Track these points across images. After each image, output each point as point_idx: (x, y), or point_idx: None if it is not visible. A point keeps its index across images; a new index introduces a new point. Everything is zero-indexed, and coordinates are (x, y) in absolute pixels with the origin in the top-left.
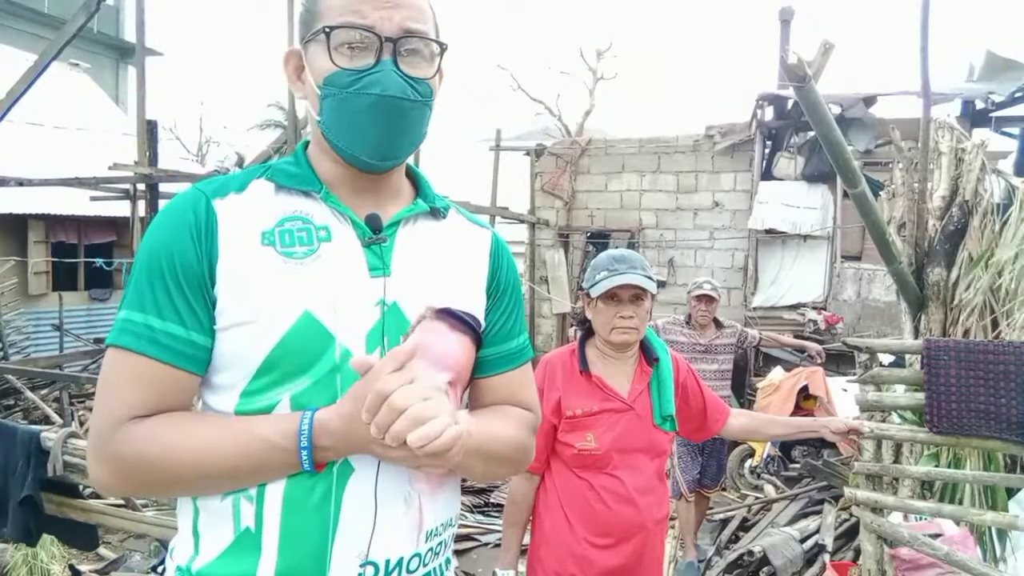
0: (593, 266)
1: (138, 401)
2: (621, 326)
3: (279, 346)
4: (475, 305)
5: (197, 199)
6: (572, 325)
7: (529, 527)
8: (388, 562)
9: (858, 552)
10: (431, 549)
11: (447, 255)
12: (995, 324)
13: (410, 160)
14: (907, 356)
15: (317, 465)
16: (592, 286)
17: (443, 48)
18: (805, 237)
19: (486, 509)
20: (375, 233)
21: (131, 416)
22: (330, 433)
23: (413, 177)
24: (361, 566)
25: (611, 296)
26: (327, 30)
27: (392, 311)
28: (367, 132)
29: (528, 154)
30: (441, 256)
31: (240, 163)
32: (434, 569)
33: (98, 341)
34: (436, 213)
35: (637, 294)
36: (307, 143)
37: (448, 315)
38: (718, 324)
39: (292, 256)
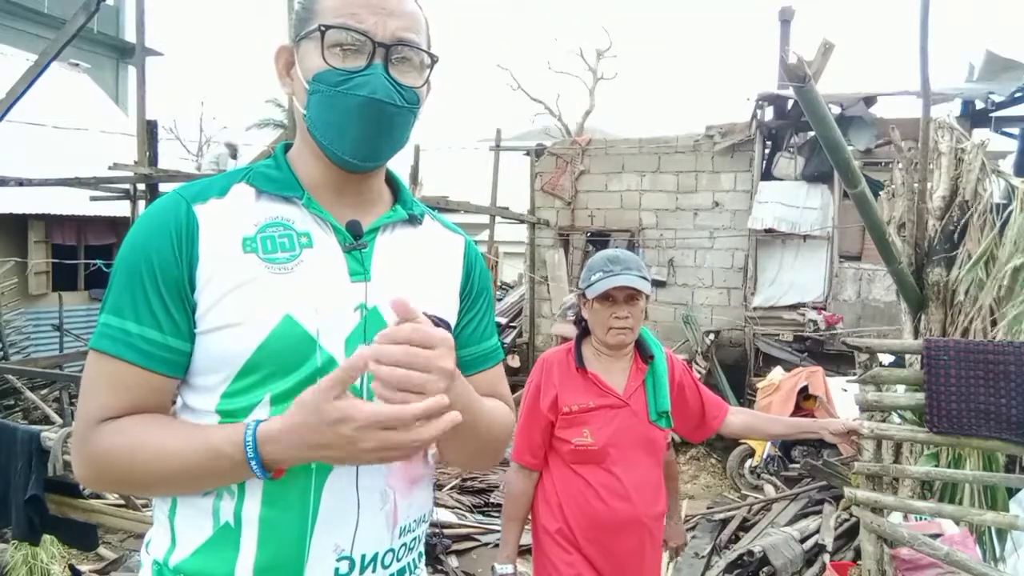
0: (588, 267)
1: (113, 403)
2: (616, 327)
3: (260, 349)
4: (449, 309)
5: (177, 204)
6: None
7: (529, 525)
8: (364, 557)
9: (858, 552)
10: (405, 544)
11: (424, 261)
12: (995, 324)
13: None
14: (907, 356)
15: (276, 472)
16: (587, 287)
17: (434, 61)
18: (805, 237)
19: (486, 509)
20: (356, 239)
21: (105, 417)
22: (275, 441)
23: (392, 182)
24: (338, 560)
25: (606, 297)
26: (322, 28)
27: (372, 315)
28: (351, 131)
29: (528, 154)
30: (418, 262)
31: (235, 154)
32: (408, 564)
33: None
34: (413, 220)
35: (632, 294)
36: (287, 145)
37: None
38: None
39: (274, 262)
